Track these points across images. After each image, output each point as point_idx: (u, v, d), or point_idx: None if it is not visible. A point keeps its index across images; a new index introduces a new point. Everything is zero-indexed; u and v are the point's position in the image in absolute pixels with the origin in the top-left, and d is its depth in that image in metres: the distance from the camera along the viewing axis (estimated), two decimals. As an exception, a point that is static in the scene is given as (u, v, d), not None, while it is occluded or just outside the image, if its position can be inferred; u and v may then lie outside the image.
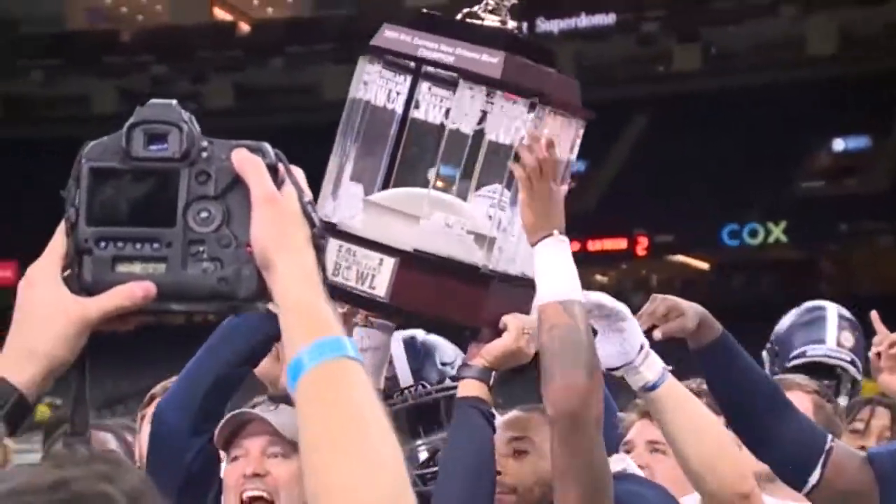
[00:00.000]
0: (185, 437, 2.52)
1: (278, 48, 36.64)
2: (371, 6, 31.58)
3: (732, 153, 31.24)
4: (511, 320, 2.42)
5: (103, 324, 1.35)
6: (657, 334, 2.50)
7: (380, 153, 2.49)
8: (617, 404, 2.82)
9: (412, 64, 2.41)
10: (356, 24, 31.05)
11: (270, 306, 1.35)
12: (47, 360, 1.34)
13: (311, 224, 1.36)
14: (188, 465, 2.51)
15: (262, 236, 1.32)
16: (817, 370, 3.87)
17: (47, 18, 37.55)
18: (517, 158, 2.37)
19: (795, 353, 4.01)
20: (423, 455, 2.82)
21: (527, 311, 2.44)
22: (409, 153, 2.46)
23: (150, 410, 3.47)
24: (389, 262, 2.36)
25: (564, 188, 2.41)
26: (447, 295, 2.39)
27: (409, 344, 2.81)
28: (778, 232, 32.30)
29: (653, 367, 2.46)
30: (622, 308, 2.47)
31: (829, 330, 4.07)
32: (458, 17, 2.45)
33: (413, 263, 2.36)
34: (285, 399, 2.46)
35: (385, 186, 2.49)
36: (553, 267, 2.33)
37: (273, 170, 1.35)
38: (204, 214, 1.34)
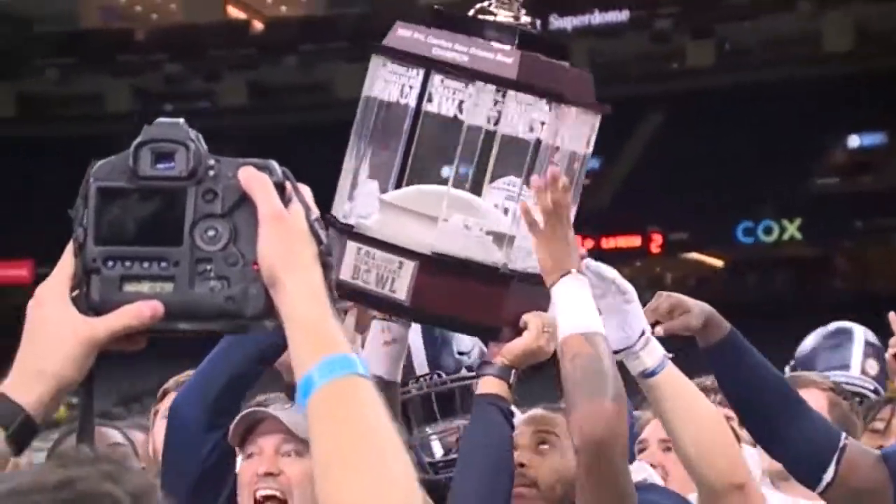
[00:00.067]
0: (201, 433, 2.53)
1: (292, 46, 36.65)
2: (384, 4, 31.58)
3: (747, 150, 31.14)
4: (531, 318, 2.43)
5: (111, 343, 1.36)
6: (659, 330, 2.50)
7: (394, 148, 2.48)
8: (632, 402, 2.81)
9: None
10: (370, 23, 31.04)
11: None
12: (55, 381, 1.34)
13: (319, 241, 1.36)
14: (203, 460, 2.53)
15: (270, 254, 1.33)
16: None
17: (61, 17, 37.63)
18: (534, 158, 2.37)
19: None
20: (436, 444, 2.83)
21: (545, 309, 2.45)
22: (423, 147, 2.45)
23: (164, 405, 3.48)
24: (409, 266, 2.36)
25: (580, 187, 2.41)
26: (467, 297, 2.39)
27: (427, 332, 2.82)
28: (793, 229, 32.19)
29: (653, 353, 2.46)
30: (630, 289, 2.48)
31: (855, 356, 3.99)
32: (471, 12, 2.44)
33: (433, 266, 2.37)
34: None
35: (399, 181, 2.49)
36: (573, 302, 2.34)
37: (280, 187, 1.35)
38: (211, 233, 1.35)
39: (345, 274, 2.38)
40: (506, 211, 2.47)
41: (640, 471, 2.62)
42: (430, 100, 2.38)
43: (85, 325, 1.35)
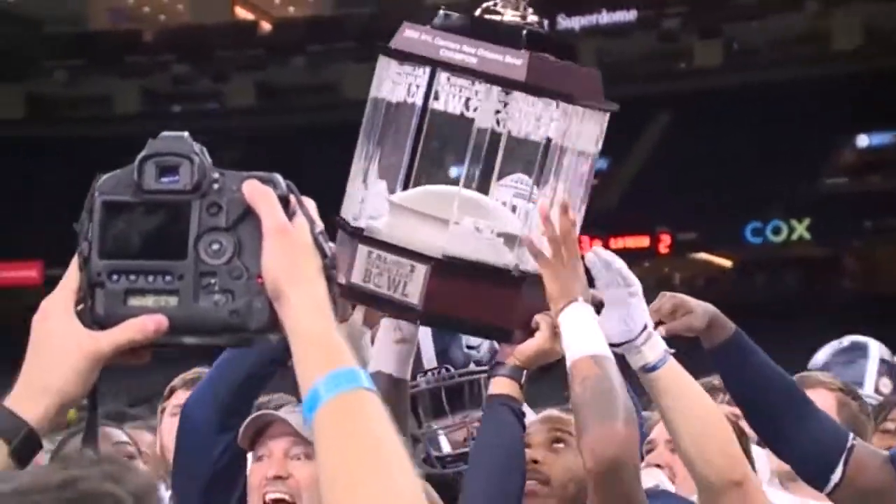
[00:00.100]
0: (213, 434, 2.54)
1: (300, 47, 36.67)
2: (392, 4, 31.59)
3: (755, 150, 31.09)
4: (543, 319, 2.44)
5: (116, 357, 1.36)
6: (661, 331, 2.50)
7: (402, 148, 2.49)
8: (640, 403, 2.81)
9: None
10: (377, 23, 31.05)
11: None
12: (59, 396, 1.35)
13: (323, 255, 1.36)
14: (215, 462, 2.53)
15: (274, 267, 1.33)
16: None
17: (70, 18, 37.70)
18: (545, 157, 2.37)
19: None
20: (444, 438, 2.83)
21: None
22: (431, 145, 2.45)
23: (171, 402, 3.50)
24: (421, 269, 2.36)
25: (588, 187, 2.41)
26: (480, 299, 2.40)
27: None
28: (801, 229, 32.12)
29: (655, 348, 2.46)
30: (635, 282, 2.48)
31: (869, 374, 3.95)
32: (477, 12, 2.44)
33: (445, 269, 2.37)
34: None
35: (407, 180, 2.49)
36: (580, 327, 2.36)
37: (284, 201, 1.35)
38: (215, 246, 1.35)
39: (356, 277, 2.38)
40: (514, 208, 2.47)
41: (652, 477, 2.62)
42: (436, 97, 2.38)
43: (89, 340, 1.35)
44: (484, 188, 2.46)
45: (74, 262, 1.38)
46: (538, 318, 2.43)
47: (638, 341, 2.46)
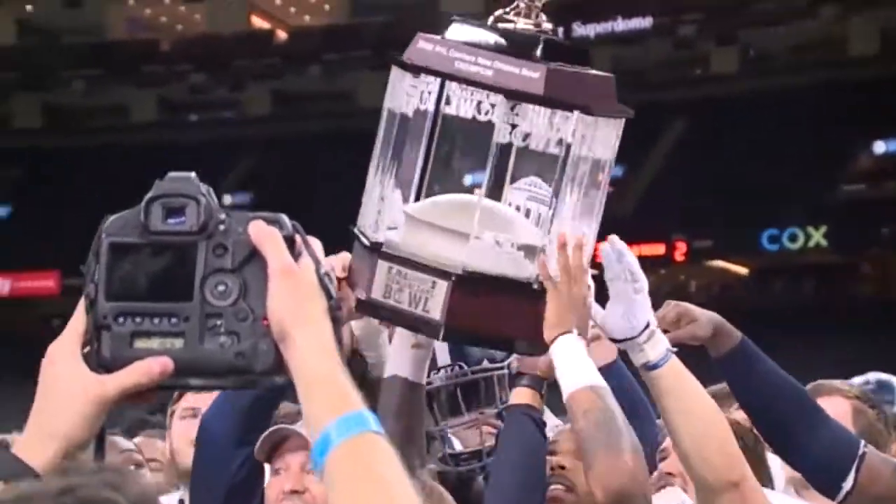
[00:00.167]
0: (231, 448, 2.54)
1: (315, 55, 36.75)
2: (407, 13, 31.63)
3: (771, 157, 31.00)
4: None
5: (122, 400, 1.37)
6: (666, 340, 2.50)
7: (416, 156, 2.48)
8: (654, 412, 2.81)
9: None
10: (393, 31, 31.09)
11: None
12: (66, 442, 1.36)
13: (329, 296, 1.36)
14: (233, 475, 2.54)
15: (279, 309, 1.33)
16: None
17: (88, 28, 37.88)
18: (564, 164, 2.36)
19: None
20: (454, 439, 2.83)
21: None
22: (443, 151, 2.45)
23: (181, 405, 3.50)
24: (443, 285, 2.36)
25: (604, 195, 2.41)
26: (501, 313, 2.40)
27: None
28: (818, 236, 32.00)
29: (657, 346, 2.46)
30: (642, 279, 2.48)
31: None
32: (489, 20, 2.42)
33: (466, 285, 2.36)
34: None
35: (420, 186, 2.48)
36: (573, 359, 2.37)
37: (290, 241, 1.35)
38: (221, 288, 1.35)
39: (376, 293, 2.37)
40: (528, 212, 2.46)
41: (675, 497, 2.62)
42: (447, 102, 2.37)
43: (95, 384, 1.36)
44: (497, 193, 2.45)
45: (81, 305, 1.38)
46: None
47: (640, 338, 2.45)
